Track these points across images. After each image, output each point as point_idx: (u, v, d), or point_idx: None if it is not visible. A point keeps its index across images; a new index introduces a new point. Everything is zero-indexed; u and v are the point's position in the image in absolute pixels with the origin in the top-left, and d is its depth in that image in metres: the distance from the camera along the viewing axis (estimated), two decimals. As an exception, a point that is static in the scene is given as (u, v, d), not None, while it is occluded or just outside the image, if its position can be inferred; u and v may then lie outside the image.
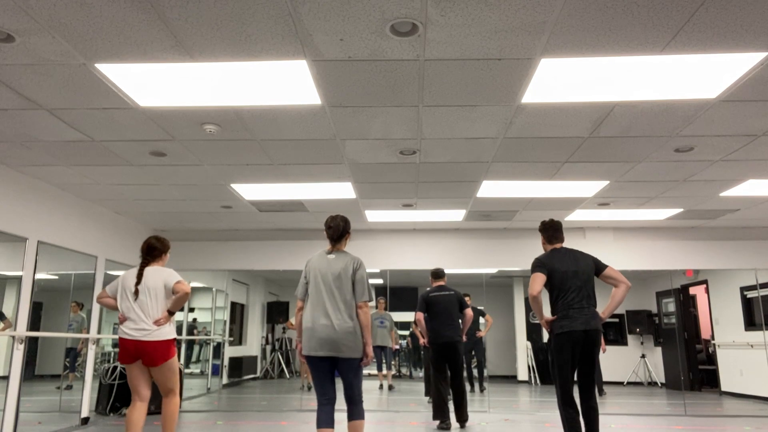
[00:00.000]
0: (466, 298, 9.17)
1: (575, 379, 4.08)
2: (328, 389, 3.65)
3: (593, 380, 4.03)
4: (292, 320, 10.03)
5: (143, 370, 3.98)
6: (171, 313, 4.00)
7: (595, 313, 4.01)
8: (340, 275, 3.67)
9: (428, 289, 6.05)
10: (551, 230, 4.24)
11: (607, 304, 4.06)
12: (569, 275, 4.02)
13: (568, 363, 3.99)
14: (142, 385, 3.99)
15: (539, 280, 4.00)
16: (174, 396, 4.03)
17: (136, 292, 3.95)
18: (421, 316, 5.91)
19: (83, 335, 6.39)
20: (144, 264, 4.08)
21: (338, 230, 3.78)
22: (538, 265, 4.08)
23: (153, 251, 4.12)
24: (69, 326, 6.30)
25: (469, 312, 5.91)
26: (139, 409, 3.96)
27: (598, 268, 4.11)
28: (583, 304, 3.98)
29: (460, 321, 5.96)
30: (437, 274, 6.11)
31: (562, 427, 4.01)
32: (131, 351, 3.90)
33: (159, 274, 4.03)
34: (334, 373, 3.70)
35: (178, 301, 3.99)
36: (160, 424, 4.03)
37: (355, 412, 3.62)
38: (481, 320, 9.51)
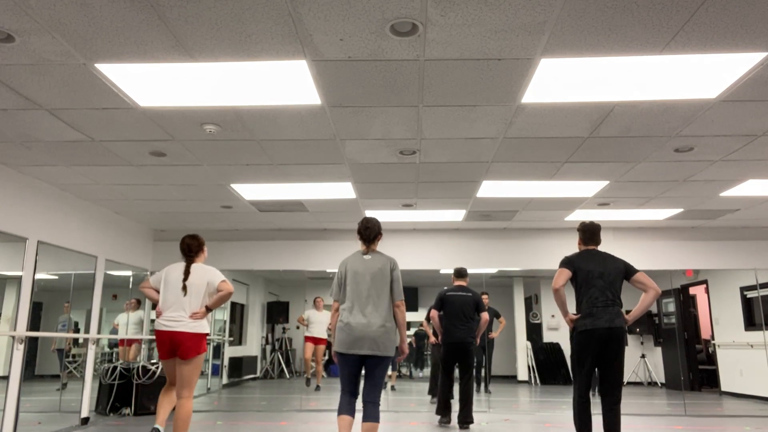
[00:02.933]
0: (484, 297, 9.16)
1: (598, 381, 4.09)
2: (354, 386, 3.76)
3: (618, 382, 4.01)
4: (304, 315, 10.01)
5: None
6: (209, 309, 4.17)
7: (620, 312, 4.06)
8: (378, 275, 3.78)
9: (446, 287, 6.06)
10: (588, 232, 4.33)
11: (634, 308, 4.08)
12: (594, 275, 4.09)
13: (589, 361, 4.03)
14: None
15: (563, 275, 4.12)
16: (189, 398, 4.13)
17: (184, 288, 4.14)
18: (435, 313, 5.92)
19: (72, 335, 6.39)
20: (189, 261, 4.28)
21: (374, 231, 3.94)
22: (565, 262, 4.20)
23: (192, 248, 4.31)
24: (62, 326, 6.29)
25: (485, 315, 5.91)
26: (172, 392, 4.17)
27: (629, 272, 4.15)
28: (608, 303, 4.04)
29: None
30: (459, 273, 6.10)
31: (572, 425, 4.03)
32: (167, 344, 4.07)
33: (204, 272, 4.23)
34: (361, 371, 3.79)
35: (220, 299, 4.18)
36: (173, 425, 4.14)
37: (372, 413, 3.67)
38: (494, 321, 9.49)
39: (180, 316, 4.09)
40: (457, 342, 5.77)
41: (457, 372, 5.94)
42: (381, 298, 3.73)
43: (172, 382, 4.20)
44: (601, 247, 7.76)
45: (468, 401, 5.77)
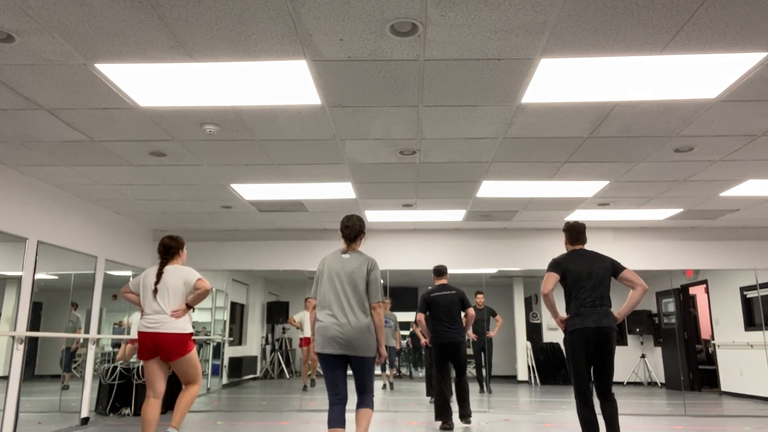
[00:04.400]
0: (479, 296, 9.14)
1: (591, 378, 4.13)
2: (341, 387, 3.68)
3: (610, 379, 4.05)
4: (295, 317, 10.02)
5: (161, 365, 4.11)
6: (189, 306, 4.13)
7: (608, 311, 4.09)
8: (354, 275, 3.70)
9: (429, 288, 5.99)
10: (574, 232, 4.34)
11: (622, 305, 4.13)
12: (583, 276, 4.12)
13: (582, 360, 4.06)
14: (158, 381, 4.10)
15: (551, 279, 4.14)
16: (195, 385, 4.17)
17: (155, 291, 4.09)
18: (422, 317, 5.88)
19: (78, 335, 6.39)
20: (163, 263, 4.23)
21: (355, 229, 3.84)
22: (553, 265, 4.22)
23: (169, 250, 4.27)
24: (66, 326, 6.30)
25: (471, 311, 5.84)
26: (153, 406, 4.06)
27: (616, 270, 4.17)
28: (596, 303, 4.07)
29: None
30: (439, 271, 6.01)
31: (572, 425, 4.06)
32: (149, 345, 4.03)
33: (178, 273, 4.17)
34: (346, 371, 3.72)
35: (198, 296, 4.14)
36: (175, 407, 4.19)
37: (365, 400, 3.66)
38: (491, 320, 9.47)
39: (160, 318, 4.05)
40: (448, 343, 5.72)
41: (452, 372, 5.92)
42: (356, 298, 3.66)
43: (152, 387, 4.10)
44: (601, 248, 7.80)
45: (466, 396, 5.75)
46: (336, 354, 3.62)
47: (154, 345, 4.02)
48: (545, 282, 4.13)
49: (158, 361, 4.08)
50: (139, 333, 4.07)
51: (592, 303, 4.05)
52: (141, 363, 6.99)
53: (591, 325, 4.00)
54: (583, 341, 4.03)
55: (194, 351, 4.15)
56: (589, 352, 4.05)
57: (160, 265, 4.21)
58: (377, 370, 10.73)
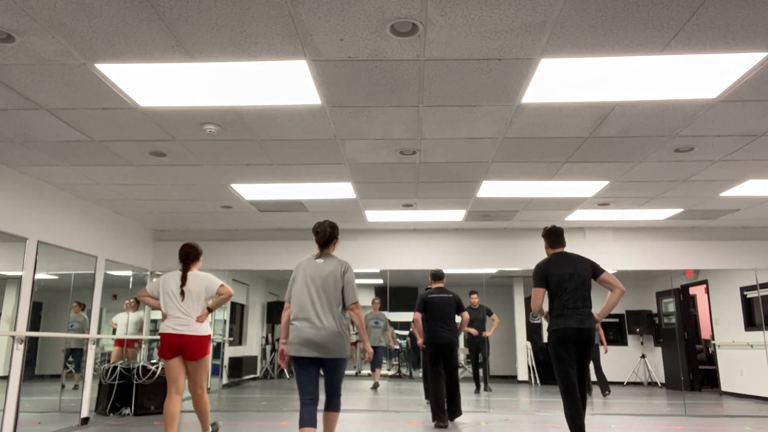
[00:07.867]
0: (474, 296, 9.23)
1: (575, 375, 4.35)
2: (313, 389, 3.74)
3: (584, 379, 4.29)
4: None
5: (183, 364, 4.45)
6: (210, 310, 4.53)
7: (590, 314, 4.31)
8: (328, 279, 3.78)
9: (427, 289, 6.13)
10: (554, 236, 4.55)
11: (602, 306, 4.35)
12: (565, 278, 4.32)
13: (565, 358, 4.25)
14: (181, 378, 4.45)
15: (539, 294, 4.37)
16: (204, 392, 4.57)
17: (182, 293, 4.44)
18: (419, 316, 6.04)
19: (85, 335, 6.40)
20: (185, 269, 4.58)
21: (325, 236, 3.90)
22: (537, 276, 4.41)
23: (189, 257, 4.61)
24: (71, 326, 6.30)
25: (465, 315, 6.11)
26: (175, 401, 4.37)
27: (595, 272, 4.41)
28: (578, 304, 4.27)
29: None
30: (437, 275, 6.24)
31: (565, 420, 4.23)
32: (173, 345, 4.38)
33: (200, 280, 4.53)
34: (319, 374, 3.79)
35: (221, 301, 4.57)
36: (197, 415, 4.66)
37: (333, 404, 3.80)
38: (487, 319, 9.46)
39: (187, 320, 4.40)
40: (442, 343, 5.90)
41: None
42: (330, 302, 3.73)
43: (173, 382, 4.40)
44: (601, 247, 7.81)
45: (455, 396, 5.95)
46: (310, 357, 3.68)
47: (180, 346, 4.36)
48: (534, 300, 4.35)
49: (180, 360, 4.42)
50: (165, 334, 4.38)
51: (574, 305, 4.26)
52: (140, 363, 6.99)
53: (574, 326, 4.22)
54: (566, 341, 4.24)
55: (210, 354, 4.52)
56: (571, 351, 4.25)
57: (183, 271, 4.54)
58: (368, 370, 10.71)
